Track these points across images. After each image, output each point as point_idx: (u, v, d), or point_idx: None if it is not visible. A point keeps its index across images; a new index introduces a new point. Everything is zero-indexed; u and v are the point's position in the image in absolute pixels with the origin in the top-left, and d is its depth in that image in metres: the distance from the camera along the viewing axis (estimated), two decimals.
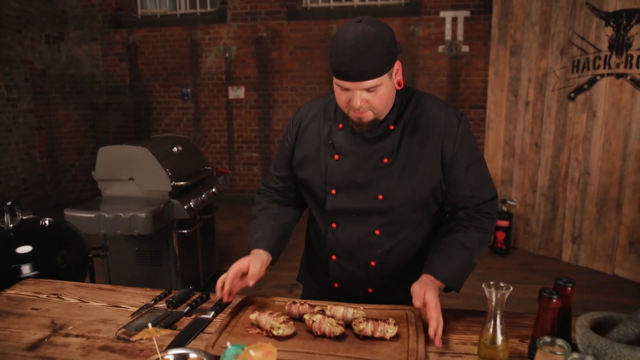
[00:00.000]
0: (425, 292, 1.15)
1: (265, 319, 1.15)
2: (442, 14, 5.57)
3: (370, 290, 1.40)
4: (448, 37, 5.60)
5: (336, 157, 1.30)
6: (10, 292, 1.47)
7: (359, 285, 1.40)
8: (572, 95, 3.86)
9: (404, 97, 1.30)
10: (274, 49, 6.08)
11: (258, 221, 1.43)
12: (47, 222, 2.02)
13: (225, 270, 1.27)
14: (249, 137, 6.40)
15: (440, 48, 5.65)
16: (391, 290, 1.39)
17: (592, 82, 3.72)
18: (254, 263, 1.29)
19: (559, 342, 1.02)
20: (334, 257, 1.39)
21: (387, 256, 1.34)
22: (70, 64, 6.24)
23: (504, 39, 4.29)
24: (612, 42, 3.58)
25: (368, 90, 1.16)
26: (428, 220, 1.37)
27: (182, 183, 2.96)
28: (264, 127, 6.33)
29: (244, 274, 1.28)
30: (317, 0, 6.04)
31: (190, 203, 2.99)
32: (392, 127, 1.27)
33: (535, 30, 4.04)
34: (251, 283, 1.27)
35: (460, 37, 5.56)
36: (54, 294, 1.45)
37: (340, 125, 1.31)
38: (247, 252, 1.36)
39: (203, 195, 3.21)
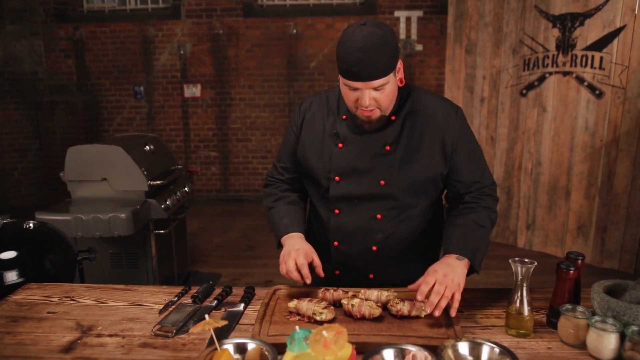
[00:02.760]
0: (431, 273, 1.21)
1: (306, 305, 1.18)
2: (396, 13, 5.76)
3: (371, 275, 1.46)
4: (402, 36, 5.79)
5: (340, 145, 1.37)
6: (17, 297, 1.40)
7: (360, 271, 1.46)
8: (524, 91, 4.14)
9: (404, 90, 1.38)
10: (230, 46, 6.00)
11: (279, 210, 1.47)
12: (31, 225, 1.91)
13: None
14: (206, 135, 6.28)
15: None
16: (391, 275, 1.44)
17: (541, 79, 4.02)
18: (315, 254, 1.34)
19: (579, 308, 1.13)
20: (335, 243, 1.43)
21: (387, 241, 1.40)
22: (9, 60, 5.81)
23: (460, 38, 4.52)
24: (558, 42, 3.89)
25: (376, 89, 1.23)
26: (427, 207, 1.43)
27: (158, 182, 2.88)
28: (221, 125, 6.24)
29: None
30: None
31: (167, 202, 2.92)
32: (393, 117, 1.35)
33: (489, 30, 4.29)
34: (322, 273, 1.34)
35: (414, 36, 5.78)
36: (66, 297, 1.39)
37: (344, 117, 1.38)
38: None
39: (177, 194, 3.14)
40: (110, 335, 1.16)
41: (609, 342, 1.04)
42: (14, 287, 1.55)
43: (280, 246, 1.43)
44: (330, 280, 1.47)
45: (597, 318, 1.07)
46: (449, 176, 1.39)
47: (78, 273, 1.97)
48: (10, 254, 1.80)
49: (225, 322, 0.98)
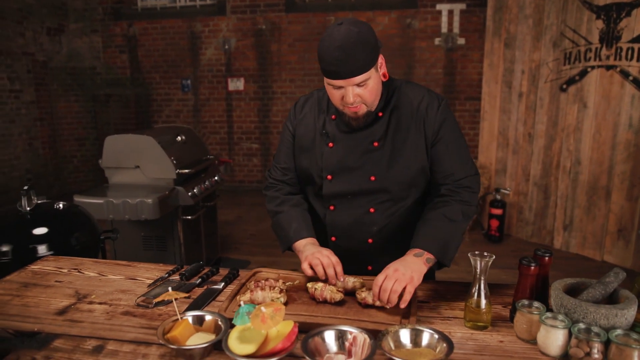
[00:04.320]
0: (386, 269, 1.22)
1: (261, 295, 1.23)
2: (438, 6, 5.66)
3: (369, 267, 1.49)
4: (444, 29, 5.69)
5: (330, 145, 1.41)
6: (34, 267, 1.58)
7: (358, 264, 1.48)
8: (564, 86, 3.97)
9: (390, 86, 1.42)
10: (272, 41, 6.16)
11: (285, 214, 1.46)
12: (61, 205, 2.13)
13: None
14: (248, 128, 6.50)
15: (437, 40, 5.74)
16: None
17: (583, 73, 3.83)
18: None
19: (536, 304, 1.14)
20: (333, 238, 1.49)
21: (382, 233, 1.44)
22: (71, 56, 6.31)
23: (499, 31, 4.39)
24: (602, 34, 3.69)
25: (359, 85, 1.26)
26: (419, 198, 1.46)
27: (186, 171, 3.07)
28: (263, 118, 6.42)
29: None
30: None
31: (194, 190, 3.10)
32: (380, 114, 1.39)
33: (529, 23, 4.14)
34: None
35: (456, 29, 5.66)
36: (74, 269, 1.56)
37: (333, 116, 1.43)
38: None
39: (206, 183, 3.32)
40: (100, 303, 1.31)
41: (557, 338, 1.04)
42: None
43: (286, 250, 1.47)
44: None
45: (548, 314, 1.08)
46: (429, 166, 1.41)
47: (100, 250, 2.17)
48: (42, 230, 2.02)
49: (184, 295, 1.09)
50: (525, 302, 1.15)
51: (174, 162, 3.02)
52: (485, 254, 1.19)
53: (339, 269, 1.29)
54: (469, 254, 1.21)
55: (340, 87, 1.27)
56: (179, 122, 6.55)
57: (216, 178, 3.55)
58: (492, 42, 4.46)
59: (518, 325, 1.14)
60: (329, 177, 1.42)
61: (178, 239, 3.12)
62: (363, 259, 1.49)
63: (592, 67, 3.77)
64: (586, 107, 3.86)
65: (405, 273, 1.20)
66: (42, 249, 1.99)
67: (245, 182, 6.64)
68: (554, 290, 1.14)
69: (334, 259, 1.30)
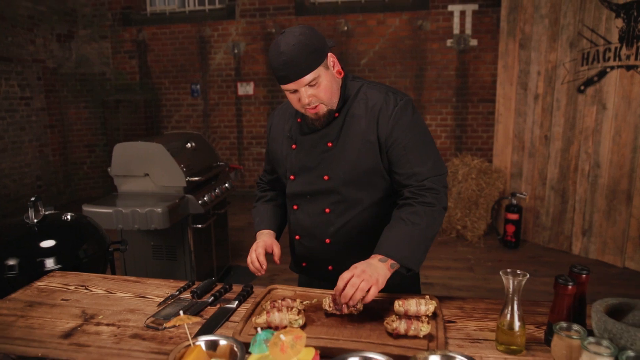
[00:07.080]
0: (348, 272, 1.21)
1: (278, 317, 1.16)
2: (450, 7, 5.57)
3: (330, 267, 1.50)
4: (456, 30, 5.59)
5: (293, 146, 1.46)
6: (40, 283, 1.53)
7: (320, 263, 1.51)
8: (582, 87, 3.86)
9: (353, 87, 1.40)
10: None
11: (256, 209, 1.65)
12: (69, 217, 2.07)
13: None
14: (258, 132, 6.44)
15: (449, 42, 5.65)
16: (349, 267, 1.38)
17: (602, 74, 3.72)
18: (276, 245, 1.50)
19: (575, 327, 1.05)
20: (297, 237, 1.53)
21: (339, 233, 1.44)
22: (81, 62, 6.30)
23: (513, 32, 4.29)
24: (622, 33, 3.58)
25: (310, 85, 1.27)
26: (378, 199, 1.42)
27: (197, 178, 3.01)
28: None
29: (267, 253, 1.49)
30: None
31: (205, 198, 3.04)
32: (337, 114, 1.39)
33: (545, 23, 4.03)
34: (277, 261, 1.47)
35: (468, 30, 5.56)
36: (82, 286, 1.50)
37: (299, 119, 1.46)
38: None
39: (217, 190, 3.26)
40: (108, 325, 1.24)
41: None
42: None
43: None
44: (299, 272, 1.60)
45: (591, 339, 0.99)
46: (390, 168, 1.38)
47: (109, 263, 2.11)
48: (49, 243, 1.96)
49: (197, 319, 1.01)
50: (564, 324, 1.06)
51: (184, 169, 2.96)
52: (519, 272, 1.10)
53: (262, 259, 1.44)
54: (500, 272, 1.12)
55: (295, 91, 1.29)
56: (189, 127, 6.52)
57: (226, 185, 3.49)
58: (507, 42, 4.36)
59: (556, 350, 1.05)
60: (292, 177, 1.46)
61: (188, 248, 3.06)
62: (324, 259, 1.51)
63: (612, 68, 3.66)
64: (605, 109, 3.74)
65: (372, 275, 1.19)
66: (49, 263, 1.92)
67: (255, 187, 6.58)
68: (596, 312, 1.05)
69: (260, 250, 1.45)
